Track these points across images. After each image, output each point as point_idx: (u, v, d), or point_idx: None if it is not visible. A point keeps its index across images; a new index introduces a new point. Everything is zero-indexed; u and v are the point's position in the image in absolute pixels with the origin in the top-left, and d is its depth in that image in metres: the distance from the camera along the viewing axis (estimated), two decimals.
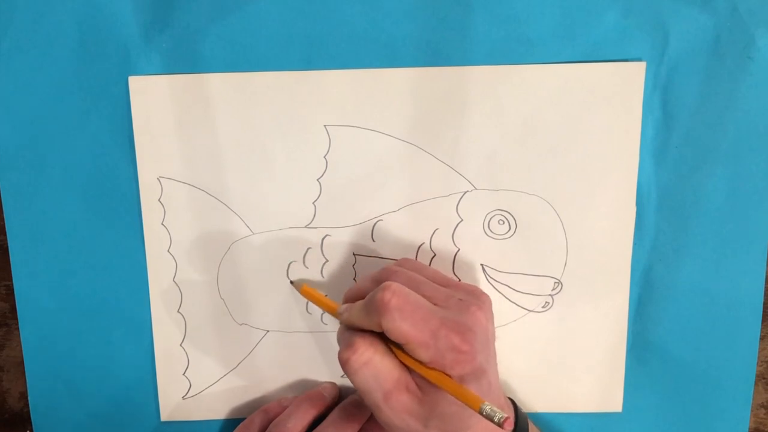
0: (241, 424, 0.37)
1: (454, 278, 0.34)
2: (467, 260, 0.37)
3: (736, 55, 0.34)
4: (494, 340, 0.32)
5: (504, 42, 0.34)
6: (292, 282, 0.37)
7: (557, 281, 0.37)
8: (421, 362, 0.29)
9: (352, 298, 0.33)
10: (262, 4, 0.34)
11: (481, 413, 0.26)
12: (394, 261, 0.36)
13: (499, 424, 0.26)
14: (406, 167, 0.36)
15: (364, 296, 0.32)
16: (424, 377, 0.29)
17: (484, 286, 0.37)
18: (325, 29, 0.34)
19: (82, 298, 0.37)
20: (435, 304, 0.30)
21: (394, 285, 0.29)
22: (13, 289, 0.37)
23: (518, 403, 0.35)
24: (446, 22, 0.34)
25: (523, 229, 0.36)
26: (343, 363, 0.30)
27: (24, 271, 0.37)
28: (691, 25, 0.34)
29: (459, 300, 0.30)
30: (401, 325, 0.28)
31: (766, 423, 0.40)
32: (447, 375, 0.29)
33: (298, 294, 0.37)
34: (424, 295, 0.30)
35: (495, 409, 0.26)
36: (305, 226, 0.36)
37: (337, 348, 0.38)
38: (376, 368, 0.29)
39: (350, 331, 0.31)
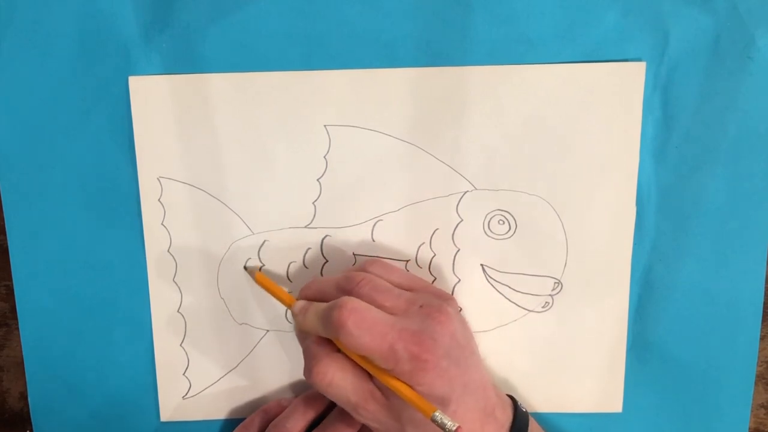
0: (240, 425, 0.37)
1: (420, 280, 0.35)
2: (467, 260, 0.37)
3: (736, 55, 0.34)
4: (468, 341, 0.32)
5: (504, 42, 0.34)
6: (245, 268, 0.37)
7: (557, 281, 0.37)
8: (382, 370, 0.30)
9: (310, 296, 0.34)
10: (262, 4, 0.34)
11: (433, 421, 0.27)
12: (396, 261, 0.36)
13: None
14: (406, 167, 0.36)
15: (323, 298, 0.32)
16: (388, 386, 0.30)
17: (484, 286, 0.37)
18: (325, 29, 0.34)
19: (82, 298, 0.37)
20: (395, 314, 0.31)
21: (351, 302, 0.30)
22: (13, 289, 0.37)
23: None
24: (446, 22, 0.34)
25: (523, 229, 0.36)
26: (310, 384, 0.31)
27: (24, 271, 0.37)
28: (691, 25, 0.34)
29: (420, 307, 0.31)
30: (359, 342, 0.29)
31: (766, 423, 0.40)
32: (403, 383, 0.29)
33: (298, 294, 0.37)
34: (384, 305, 0.31)
35: (446, 418, 0.27)
36: (305, 226, 0.36)
37: None
38: (338, 387, 0.31)
39: (307, 342, 0.32)
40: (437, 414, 0.27)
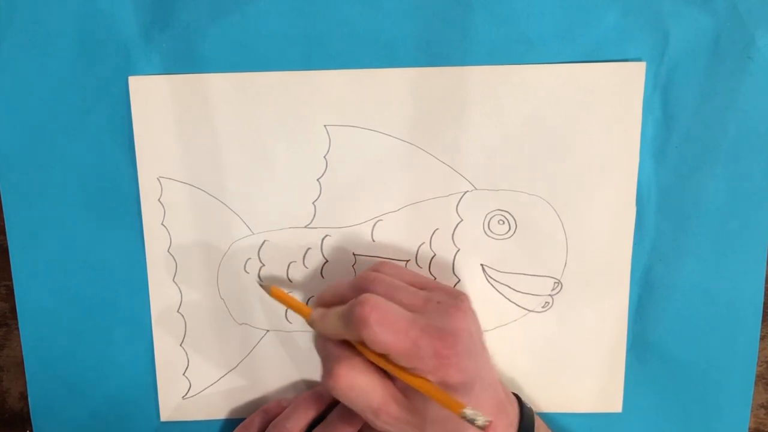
0: (240, 425, 0.37)
1: (431, 279, 0.35)
2: (467, 260, 0.37)
3: (736, 55, 0.34)
4: (480, 337, 0.32)
5: (504, 42, 0.34)
6: (261, 284, 0.36)
7: (557, 281, 0.37)
8: (404, 369, 0.29)
9: (325, 303, 0.33)
10: (262, 4, 0.34)
11: (463, 418, 0.27)
12: (396, 261, 0.37)
13: (482, 428, 0.26)
14: (406, 167, 0.36)
15: (339, 302, 0.32)
16: (407, 384, 0.29)
17: (484, 286, 0.37)
18: (325, 29, 0.34)
19: (82, 298, 0.37)
20: (414, 311, 0.30)
21: (372, 299, 0.29)
22: (13, 289, 0.37)
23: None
24: (446, 22, 0.34)
25: (523, 229, 0.36)
26: (329, 389, 0.30)
27: (24, 271, 0.37)
28: (691, 25, 0.34)
29: (438, 303, 0.31)
30: (383, 338, 0.28)
31: (766, 423, 0.40)
32: (428, 381, 0.29)
33: (298, 294, 0.37)
34: (402, 302, 0.31)
35: (477, 413, 0.26)
36: (305, 226, 0.36)
37: None
38: (360, 389, 0.30)
39: (327, 347, 0.32)
40: (468, 410, 0.27)
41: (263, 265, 0.37)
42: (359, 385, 0.30)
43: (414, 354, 0.28)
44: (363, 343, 0.30)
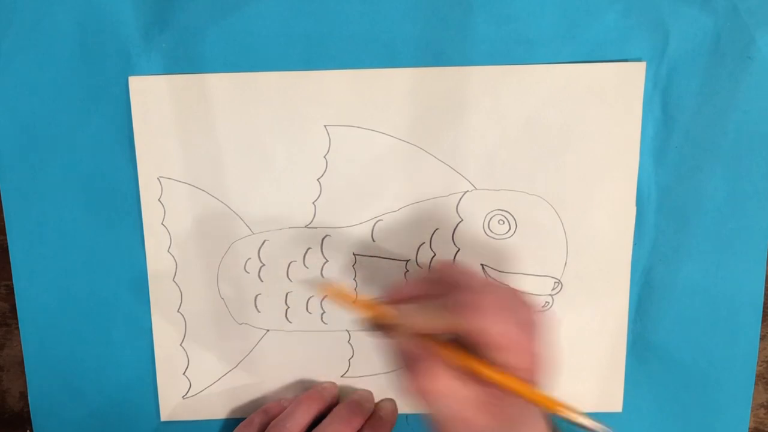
0: (241, 424, 0.37)
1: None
2: (467, 260, 0.37)
3: (736, 55, 0.34)
4: None
5: (504, 42, 0.34)
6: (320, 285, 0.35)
7: (557, 281, 0.37)
8: (496, 369, 0.26)
9: (401, 301, 0.30)
10: (262, 4, 0.34)
11: (582, 426, 0.25)
12: (396, 261, 0.37)
13: None
14: (406, 167, 0.36)
15: (418, 298, 0.30)
16: (507, 389, 0.26)
17: None
18: (325, 29, 0.34)
19: (82, 298, 0.37)
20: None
21: (490, 284, 0.27)
22: (13, 289, 0.37)
23: None
24: (446, 22, 0.34)
25: (523, 229, 0.36)
26: (423, 393, 0.27)
27: (24, 271, 0.37)
28: (691, 25, 0.34)
29: (523, 303, 0.28)
30: (501, 327, 0.26)
31: (766, 423, 0.40)
32: (523, 381, 0.26)
33: (298, 294, 0.37)
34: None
35: (598, 422, 0.25)
36: (305, 226, 0.36)
37: (337, 347, 0.38)
38: (450, 389, 0.27)
39: (413, 350, 0.28)
40: (586, 418, 0.25)
41: (263, 265, 0.37)
42: (451, 386, 0.27)
43: (516, 347, 0.26)
44: (451, 344, 0.27)
